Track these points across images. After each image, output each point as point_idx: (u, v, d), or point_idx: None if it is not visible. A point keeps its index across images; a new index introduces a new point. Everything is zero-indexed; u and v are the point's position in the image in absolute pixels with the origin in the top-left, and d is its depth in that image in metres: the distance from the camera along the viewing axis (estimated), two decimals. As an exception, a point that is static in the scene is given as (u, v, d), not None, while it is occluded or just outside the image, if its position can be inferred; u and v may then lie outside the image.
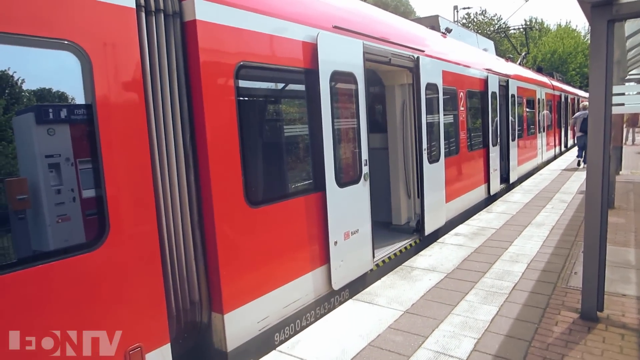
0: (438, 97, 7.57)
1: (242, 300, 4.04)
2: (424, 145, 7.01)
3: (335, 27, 5.22)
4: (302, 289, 4.75)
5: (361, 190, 5.53)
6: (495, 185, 11.00)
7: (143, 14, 3.40)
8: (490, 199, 10.67)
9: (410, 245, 6.94)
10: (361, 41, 5.55)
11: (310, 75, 4.84)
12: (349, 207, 5.31)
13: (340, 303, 5.17)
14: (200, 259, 3.84)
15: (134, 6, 3.31)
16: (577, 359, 3.61)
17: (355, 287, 5.45)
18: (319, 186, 4.93)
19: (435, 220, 7.51)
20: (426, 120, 7.08)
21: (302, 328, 4.59)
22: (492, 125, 10.57)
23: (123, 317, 3.18)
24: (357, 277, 5.50)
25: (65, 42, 2.92)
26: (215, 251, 3.81)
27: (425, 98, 7.05)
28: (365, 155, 5.58)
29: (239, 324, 4.00)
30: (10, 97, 2.88)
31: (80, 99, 3.09)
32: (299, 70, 4.78)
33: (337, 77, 5.14)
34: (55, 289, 2.85)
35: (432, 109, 7.41)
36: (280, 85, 4.97)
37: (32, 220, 2.93)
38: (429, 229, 7.24)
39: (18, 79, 2.89)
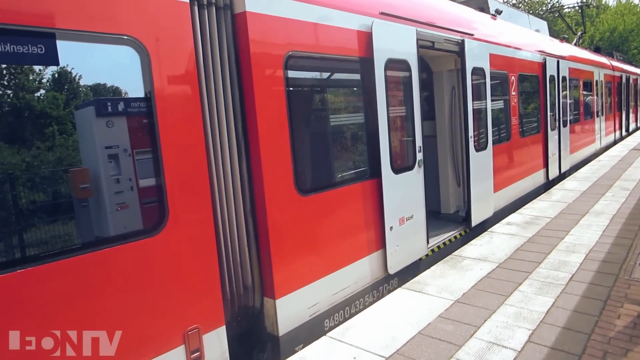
0: (485, 82, 7.30)
1: (293, 286, 4.13)
2: (470, 133, 6.80)
3: (383, 13, 5.14)
4: (353, 275, 4.79)
5: (415, 177, 5.52)
6: (555, 169, 10.68)
7: (196, 8, 3.50)
8: (549, 184, 10.36)
9: (460, 234, 6.81)
10: (414, 28, 5.51)
11: (364, 63, 4.84)
12: (404, 193, 5.34)
13: (389, 291, 5.16)
14: (253, 245, 3.95)
15: (188, 0, 3.40)
16: (642, 353, 3.45)
17: (405, 276, 5.43)
18: (373, 173, 4.98)
19: (482, 211, 7.27)
20: (473, 106, 6.86)
21: (352, 315, 4.63)
22: (549, 109, 10.17)
23: (181, 300, 3.33)
24: (411, 262, 5.54)
25: (125, 37, 3.05)
26: (267, 238, 3.90)
27: (472, 83, 6.83)
28: (419, 142, 5.60)
29: (290, 309, 4.09)
30: (69, 92, 3.04)
31: (139, 92, 3.23)
32: (351, 59, 4.79)
33: (392, 64, 5.14)
34: (120, 272, 3.01)
35: (479, 94, 7.16)
36: (330, 74, 4.99)
37: (95, 208, 3.11)
38: (475, 219, 7.03)
39: (80, 74, 3.03)
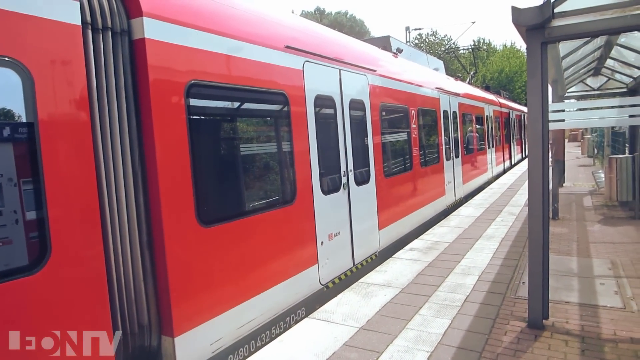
0: (365, 115, 7.10)
1: (194, 322, 3.92)
2: (350, 166, 6.53)
3: (288, 47, 5.28)
4: (258, 307, 4.67)
5: (341, 198, 6.28)
6: (451, 197, 11.52)
7: (89, 32, 3.34)
8: (449, 210, 11.13)
9: (350, 272, 6.52)
10: (338, 68, 6.25)
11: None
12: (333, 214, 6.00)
13: (297, 322, 5.12)
14: (150, 280, 3.71)
15: (80, 23, 3.24)
16: (524, 366, 3.73)
17: (312, 304, 5.43)
18: (274, 204, 5.07)
19: (365, 248, 6.95)
20: (352, 138, 6.57)
21: (258, 349, 4.50)
22: (444, 142, 10.99)
23: (64, 343, 3.01)
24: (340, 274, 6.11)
25: (6, 58, 2.82)
26: (165, 272, 3.70)
27: (350, 115, 6.56)
28: (343, 168, 6.33)
29: (191, 346, 3.88)
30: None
31: (22, 117, 2.98)
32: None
33: (319, 101, 5.84)
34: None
35: (358, 127, 6.94)
36: (240, 105, 4.95)
37: None
38: (357, 258, 6.71)
39: None
